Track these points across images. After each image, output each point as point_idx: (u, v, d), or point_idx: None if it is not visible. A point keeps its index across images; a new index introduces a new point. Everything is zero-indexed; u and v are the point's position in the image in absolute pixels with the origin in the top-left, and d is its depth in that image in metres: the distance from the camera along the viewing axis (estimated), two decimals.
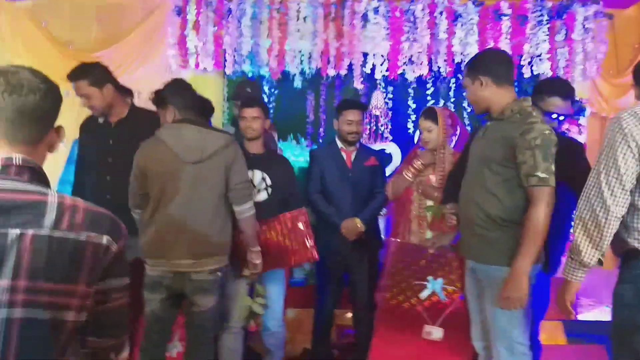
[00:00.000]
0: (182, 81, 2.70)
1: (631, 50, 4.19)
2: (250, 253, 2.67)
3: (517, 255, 2.01)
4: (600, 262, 1.81)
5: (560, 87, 2.61)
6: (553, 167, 2.00)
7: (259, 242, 2.68)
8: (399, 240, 2.78)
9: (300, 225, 2.90)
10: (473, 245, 2.23)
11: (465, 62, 2.37)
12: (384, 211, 3.98)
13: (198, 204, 2.44)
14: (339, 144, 3.27)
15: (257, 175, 2.98)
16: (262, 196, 2.98)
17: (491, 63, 2.20)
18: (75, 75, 2.68)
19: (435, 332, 2.57)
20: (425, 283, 2.61)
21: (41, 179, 1.10)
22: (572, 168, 2.25)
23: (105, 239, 1.07)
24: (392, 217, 3.26)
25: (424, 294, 2.59)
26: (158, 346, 2.59)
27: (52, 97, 1.10)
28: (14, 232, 0.99)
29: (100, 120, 2.84)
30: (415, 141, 4.03)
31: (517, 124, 2.08)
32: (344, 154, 3.25)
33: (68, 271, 1.02)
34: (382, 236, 3.41)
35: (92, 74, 2.69)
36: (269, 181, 3.00)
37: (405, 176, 3.00)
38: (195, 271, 2.45)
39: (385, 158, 3.52)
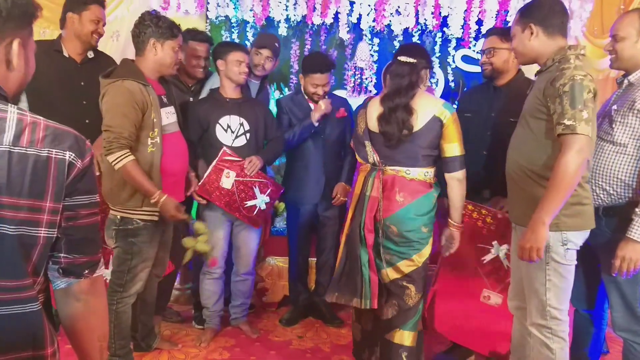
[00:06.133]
0: None
1: (616, 11, 4.19)
2: None
3: (539, 203, 1.92)
4: None
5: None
6: (585, 114, 1.87)
7: (154, 189, 2.46)
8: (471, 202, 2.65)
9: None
10: (513, 204, 2.19)
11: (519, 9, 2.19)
12: None
13: None
14: (306, 96, 3.23)
15: (235, 121, 2.93)
16: (241, 141, 2.94)
17: (546, 12, 2.11)
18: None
19: (494, 298, 2.51)
20: (490, 247, 2.53)
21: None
22: None
23: (68, 155, 1.06)
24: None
25: (487, 258, 2.53)
26: None
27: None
28: None
29: (66, 54, 2.82)
30: None
31: (551, 73, 2.01)
32: (312, 105, 3.22)
33: (32, 187, 1.01)
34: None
35: None
36: (247, 126, 2.95)
37: None
38: None
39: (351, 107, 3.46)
